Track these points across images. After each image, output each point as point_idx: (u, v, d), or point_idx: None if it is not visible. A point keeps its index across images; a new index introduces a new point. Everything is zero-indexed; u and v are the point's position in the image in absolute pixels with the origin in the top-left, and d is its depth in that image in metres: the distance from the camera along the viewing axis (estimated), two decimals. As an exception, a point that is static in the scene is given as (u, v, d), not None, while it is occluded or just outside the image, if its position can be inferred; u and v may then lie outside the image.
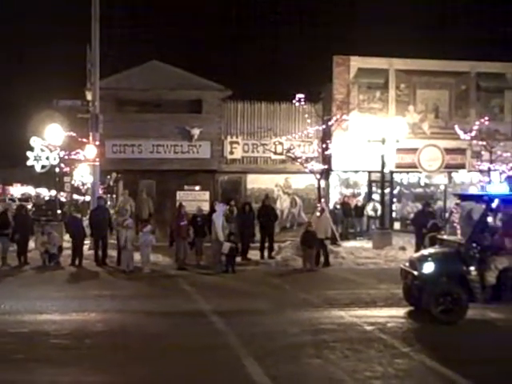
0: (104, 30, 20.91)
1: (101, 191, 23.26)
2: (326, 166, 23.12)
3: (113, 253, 18.30)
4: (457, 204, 12.69)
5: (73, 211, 25.27)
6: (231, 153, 25.00)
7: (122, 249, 17.34)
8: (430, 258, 11.23)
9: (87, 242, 19.35)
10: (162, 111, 24.43)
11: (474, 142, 23.70)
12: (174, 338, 9.28)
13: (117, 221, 18.49)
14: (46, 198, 50.84)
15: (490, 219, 11.30)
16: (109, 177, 27.60)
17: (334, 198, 25.15)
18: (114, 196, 23.95)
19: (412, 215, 22.48)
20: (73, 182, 35.16)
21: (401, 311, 11.33)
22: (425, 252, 12.09)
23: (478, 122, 23.81)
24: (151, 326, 10.23)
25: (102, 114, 21.08)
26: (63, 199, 36.54)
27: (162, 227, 21.09)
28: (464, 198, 13.44)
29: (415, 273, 11.01)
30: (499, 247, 10.72)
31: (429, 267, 10.91)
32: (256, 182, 25.15)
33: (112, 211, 20.61)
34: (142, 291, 13.87)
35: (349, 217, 24.75)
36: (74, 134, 23.10)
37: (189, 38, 38.25)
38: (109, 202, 25.61)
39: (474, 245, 10.66)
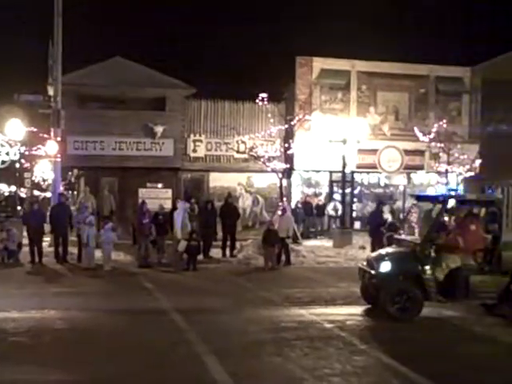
0: (67, 25, 20.70)
1: (62, 188, 22.97)
2: (288, 166, 23.37)
3: (73, 250, 18.17)
4: (414, 204, 13.02)
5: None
6: (194, 151, 25.04)
7: (83, 246, 17.24)
8: (386, 258, 11.50)
9: (47, 238, 19.14)
10: (125, 108, 24.32)
11: (433, 143, 24.22)
12: (134, 336, 9.32)
13: (77, 218, 18.34)
14: (6, 194, 49.95)
15: (445, 219, 11.64)
16: (70, 173, 27.29)
17: (296, 197, 25.40)
18: (76, 193, 23.71)
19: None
20: (33, 178, 34.72)
21: (359, 309, 11.56)
22: (382, 251, 12.36)
23: (436, 125, 24.33)
24: (111, 323, 10.23)
25: (64, 110, 20.88)
26: (23, 195, 36.02)
27: (123, 225, 21.02)
28: (420, 198, 13.79)
29: (372, 272, 11.26)
30: (453, 246, 11.05)
31: (385, 266, 11.16)
32: (219, 181, 25.25)
33: (73, 208, 20.42)
34: (103, 289, 13.83)
35: (310, 216, 25.02)
36: (35, 130, 22.86)
37: (153, 35, 38.12)
38: (70, 199, 25.29)
39: (430, 244, 10.97)
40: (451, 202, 11.49)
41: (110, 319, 10.57)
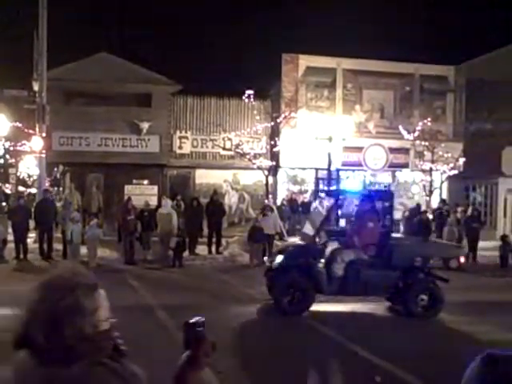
0: (52, 19, 20.59)
1: (47, 184, 22.90)
2: (273, 163, 23.46)
3: (58, 246, 18.13)
4: (321, 199, 13.32)
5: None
6: (180, 147, 25.04)
7: (67, 243, 17.23)
8: (282, 251, 11.72)
9: (32, 235, 19.08)
10: (111, 104, 24.24)
11: (417, 142, 24.38)
12: (119, 333, 9.33)
13: (62, 214, 18.31)
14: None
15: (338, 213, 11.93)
16: (56, 169, 27.20)
17: (282, 195, 25.49)
18: (61, 189, 23.63)
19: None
20: (18, 174, 34.53)
21: (345, 307, 11.67)
22: (283, 244, 12.61)
23: (421, 123, 24.48)
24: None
25: (49, 106, 20.79)
26: (8, 191, 35.80)
27: (109, 221, 21.01)
28: (327, 193, 14.21)
29: (268, 264, 11.48)
30: (346, 241, 11.23)
31: (279, 259, 11.35)
32: (205, 177, 25.27)
33: (58, 204, 20.37)
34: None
35: (295, 213, 25.12)
36: (20, 125, 22.73)
37: (140, 31, 38.03)
38: (55, 195, 25.21)
39: (322, 238, 11.14)
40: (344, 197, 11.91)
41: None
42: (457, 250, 12.37)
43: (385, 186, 15.31)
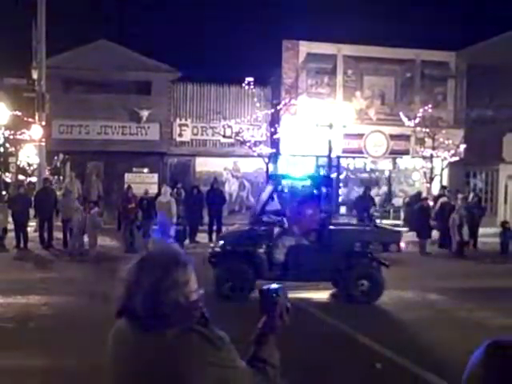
0: (51, 7, 20.48)
1: (47, 172, 22.90)
2: (274, 150, 23.41)
3: (59, 235, 18.13)
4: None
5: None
6: (180, 135, 24.99)
7: (69, 231, 17.23)
8: (225, 236, 11.77)
9: (33, 223, 19.08)
10: (111, 92, 24.17)
11: (418, 128, 24.26)
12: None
13: (62, 203, 18.30)
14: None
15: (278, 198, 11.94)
16: (56, 158, 27.18)
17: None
18: (61, 177, 23.64)
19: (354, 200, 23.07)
20: (18, 163, 34.52)
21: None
22: (228, 230, 12.63)
23: (421, 109, 24.32)
24: (97, 309, 10.25)
25: (49, 94, 20.76)
26: (8, 180, 35.80)
27: (109, 210, 21.00)
28: (269, 178, 14.27)
29: (210, 250, 11.48)
30: (287, 226, 11.21)
31: (220, 245, 11.36)
32: (205, 165, 25.24)
33: (58, 193, 20.35)
34: (88, 274, 13.85)
35: (296, 200, 25.10)
36: (20, 114, 22.68)
37: (139, 18, 37.82)
38: (55, 184, 25.21)
39: (261, 223, 11.15)
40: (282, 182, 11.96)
41: (95, 304, 10.58)
42: (396, 234, 12.35)
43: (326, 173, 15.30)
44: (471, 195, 20.98)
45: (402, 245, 11.99)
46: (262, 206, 11.58)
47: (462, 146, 24.47)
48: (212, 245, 12.37)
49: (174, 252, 2.24)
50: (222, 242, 11.44)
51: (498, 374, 1.53)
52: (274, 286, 2.38)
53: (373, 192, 23.15)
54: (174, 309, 2.05)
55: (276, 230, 11.07)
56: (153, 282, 2.07)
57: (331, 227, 11.45)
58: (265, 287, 2.39)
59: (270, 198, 11.71)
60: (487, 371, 1.55)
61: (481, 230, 20.20)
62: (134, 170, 24.20)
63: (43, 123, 20.38)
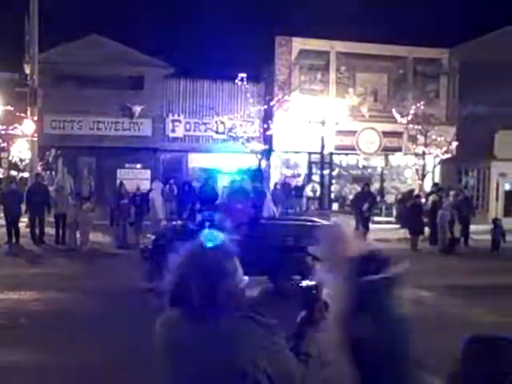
0: (44, 0, 20.38)
1: (39, 168, 22.80)
2: (267, 146, 23.43)
3: (51, 231, 18.09)
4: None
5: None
6: (173, 131, 24.96)
7: (64, 227, 17.21)
8: (158, 232, 11.99)
9: (25, 219, 19.02)
10: (103, 87, 24.09)
11: (410, 125, 24.33)
12: (112, 317, 9.36)
13: (54, 198, 18.25)
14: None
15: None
16: (48, 153, 27.08)
17: (275, 178, 25.47)
18: (54, 173, 23.57)
19: (351, 196, 23.08)
20: (10, 158, 34.33)
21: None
22: (162, 226, 12.78)
23: (414, 107, 24.37)
24: (89, 304, 10.27)
25: (41, 88, 20.66)
26: (0, 175, 35.59)
27: (102, 205, 20.95)
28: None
29: (141, 245, 11.73)
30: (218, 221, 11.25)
31: (152, 239, 11.53)
32: (198, 161, 25.21)
33: (51, 188, 20.28)
34: (80, 270, 13.83)
35: (288, 197, 25.13)
36: (12, 108, 22.58)
37: (132, 12, 37.66)
38: (47, 179, 25.11)
39: (192, 220, 11.25)
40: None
41: (87, 300, 10.60)
42: None
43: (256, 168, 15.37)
44: (461, 193, 20.83)
45: None
46: (199, 201, 11.68)
47: (454, 143, 24.56)
48: (145, 240, 12.45)
49: (223, 242, 2.32)
50: (153, 237, 11.51)
51: (476, 365, 1.63)
52: (313, 282, 2.47)
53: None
54: (227, 296, 2.17)
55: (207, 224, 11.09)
56: (207, 271, 2.18)
57: (262, 221, 11.40)
58: (304, 283, 2.48)
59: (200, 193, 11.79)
60: (466, 363, 1.64)
61: (472, 227, 20.29)
62: (127, 165, 24.16)
63: (35, 118, 20.30)
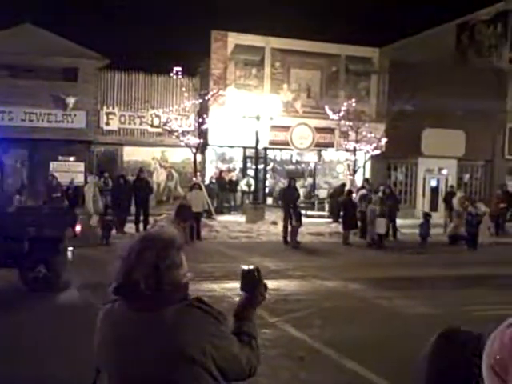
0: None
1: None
2: (202, 141, 23.54)
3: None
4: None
5: None
6: (107, 124, 24.69)
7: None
8: None
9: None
10: (35, 77, 23.56)
11: (342, 122, 24.93)
12: (40, 313, 9.32)
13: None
14: None
15: None
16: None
17: (210, 173, 25.64)
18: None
19: (278, 191, 23.53)
20: None
21: (270, 283, 12.04)
22: None
23: (346, 103, 24.97)
24: (16, 299, 10.20)
25: (-30, 78, 20.09)
26: None
27: (34, 199, 20.60)
28: None
29: None
30: None
31: None
32: (133, 155, 25.04)
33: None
34: None
35: (224, 191, 25.38)
36: None
37: (67, 3, 36.92)
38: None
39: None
40: None
41: (15, 295, 10.51)
42: (70, 217, 12.25)
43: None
44: (382, 187, 21.38)
45: (78, 228, 12.07)
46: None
47: (384, 140, 25.32)
48: None
49: (171, 234, 2.38)
50: None
51: (444, 357, 1.81)
52: (252, 266, 2.66)
53: (298, 184, 23.66)
54: (173, 287, 2.23)
55: None
56: (154, 261, 2.21)
57: (3, 211, 11.57)
58: (245, 267, 2.65)
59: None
60: (435, 355, 1.83)
61: (400, 222, 21.10)
62: (60, 158, 23.72)
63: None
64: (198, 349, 2.20)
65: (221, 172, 25.78)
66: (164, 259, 2.22)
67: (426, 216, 19.83)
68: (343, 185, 24.00)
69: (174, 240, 2.32)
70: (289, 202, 18.93)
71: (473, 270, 14.25)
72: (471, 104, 24.91)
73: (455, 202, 21.89)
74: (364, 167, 25.90)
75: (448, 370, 1.80)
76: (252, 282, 2.63)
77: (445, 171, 28.22)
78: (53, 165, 23.12)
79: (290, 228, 18.35)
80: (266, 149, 25.97)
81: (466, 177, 29.22)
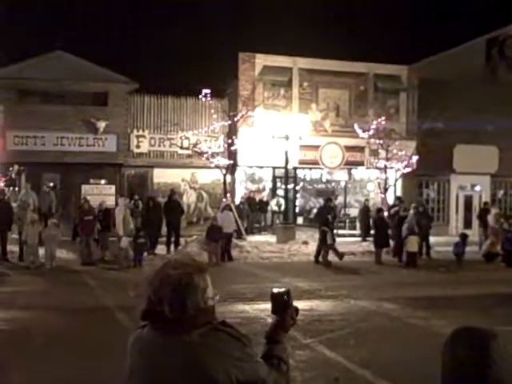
0: (6, 15, 20.28)
1: (2, 184, 22.53)
2: (231, 161, 23.59)
3: (14, 248, 17.89)
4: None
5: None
6: (138, 147, 24.93)
7: (23, 244, 17.03)
8: None
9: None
10: (67, 103, 23.96)
11: (372, 140, 24.78)
12: (77, 336, 9.34)
13: (18, 215, 18.07)
14: None
15: None
16: (11, 169, 26.74)
17: (240, 193, 25.64)
18: (17, 189, 23.29)
19: (315, 211, 23.32)
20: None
21: (303, 304, 11.90)
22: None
23: (375, 122, 24.84)
24: (54, 322, 10.22)
25: (3, 105, 20.48)
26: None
27: (66, 222, 20.82)
28: None
29: None
30: None
31: None
32: (163, 177, 25.21)
33: (14, 205, 20.06)
34: (46, 287, 13.74)
35: (254, 212, 25.32)
36: (-27, 125, 22.29)
37: (96, 29, 37.62)
38: (10, 196, 24.81)
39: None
40: None
41: (52, 318, 10.55)
42: None
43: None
44: (413, 205, 21.03)
45: None
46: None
47: (415, 157, 25.07)
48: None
49: (195, 258, 2.45)
50: None
51: (452, 354, 1.78)
52: (283, 289, 2.62)
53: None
54: (197, 311, 2.26)
55: None
56: (177, 286, 2.26)
57: None
58: (275, 290, 2.62)
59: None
60: (444, 352, 1.79)
61: (433, 239, 20.74)
62: (91, 181, 23.99)
63: (-3, 135, 20.09)
64: (223, 372, 2.21)
65: (250, 192, 25.77)
66: (188, 283, 2.27)
67: (463, 236, 19.44)
68: (366, 200, 24.04)
69: (197, 264, 2.38)
70: (324, 222, 18.70)
71: (510, 288, 13.88)
72: (503, 119, 24.57)
73: (490, 218, 21.48)
74: (395, 185, 25.64)
75: (457, 368, 1.84)
76: (282, 305, 2.60)
77: (478, 187, 27.78)
78: (84, 188, 23.37)
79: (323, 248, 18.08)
80: (295, 168, 25.91)
81: (500, 193, 28.72)
